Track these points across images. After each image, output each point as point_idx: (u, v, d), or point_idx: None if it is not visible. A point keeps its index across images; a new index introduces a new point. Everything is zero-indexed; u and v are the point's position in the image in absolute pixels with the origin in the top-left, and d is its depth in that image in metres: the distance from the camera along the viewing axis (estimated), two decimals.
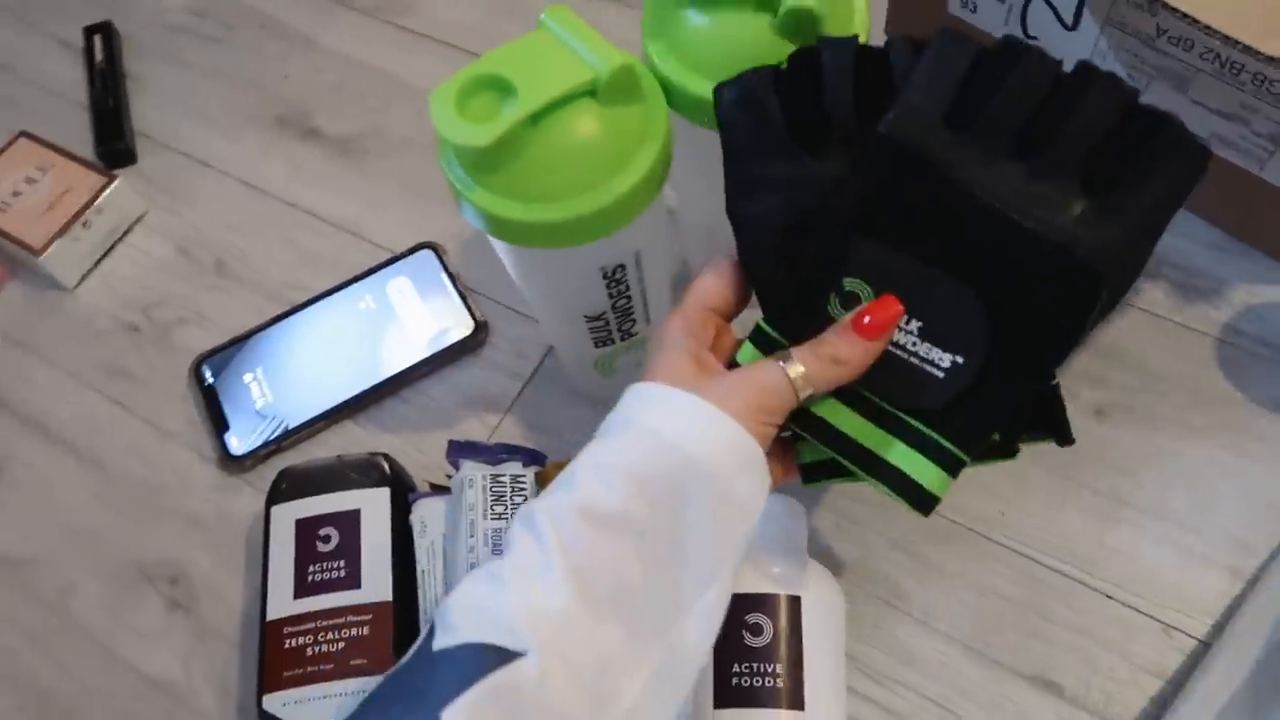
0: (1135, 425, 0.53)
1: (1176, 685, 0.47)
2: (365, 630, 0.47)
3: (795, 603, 0.44)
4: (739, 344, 0.39)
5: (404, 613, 0.48)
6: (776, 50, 0.39)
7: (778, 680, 0.42)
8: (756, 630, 0.43)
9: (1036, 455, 0.52)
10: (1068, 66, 0.34)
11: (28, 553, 0.57)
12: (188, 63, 0.76)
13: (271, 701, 0.46)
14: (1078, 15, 0.56)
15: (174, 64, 0.76)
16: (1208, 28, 0.42)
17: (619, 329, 0.50)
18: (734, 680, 0.42)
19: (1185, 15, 0.43)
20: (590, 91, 0.39)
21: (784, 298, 0.37)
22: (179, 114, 0.74)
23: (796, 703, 0.42)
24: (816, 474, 0.40)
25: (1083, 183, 0.33)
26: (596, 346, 0.51)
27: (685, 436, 0.34)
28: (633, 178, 0.40)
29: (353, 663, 0.46)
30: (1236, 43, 0.42)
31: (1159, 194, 0.34)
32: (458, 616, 0.32)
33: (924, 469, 0.35)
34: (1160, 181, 0.33)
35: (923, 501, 0.36)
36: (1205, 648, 0.48)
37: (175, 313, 0.65)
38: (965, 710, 0.48)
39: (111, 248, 0.68)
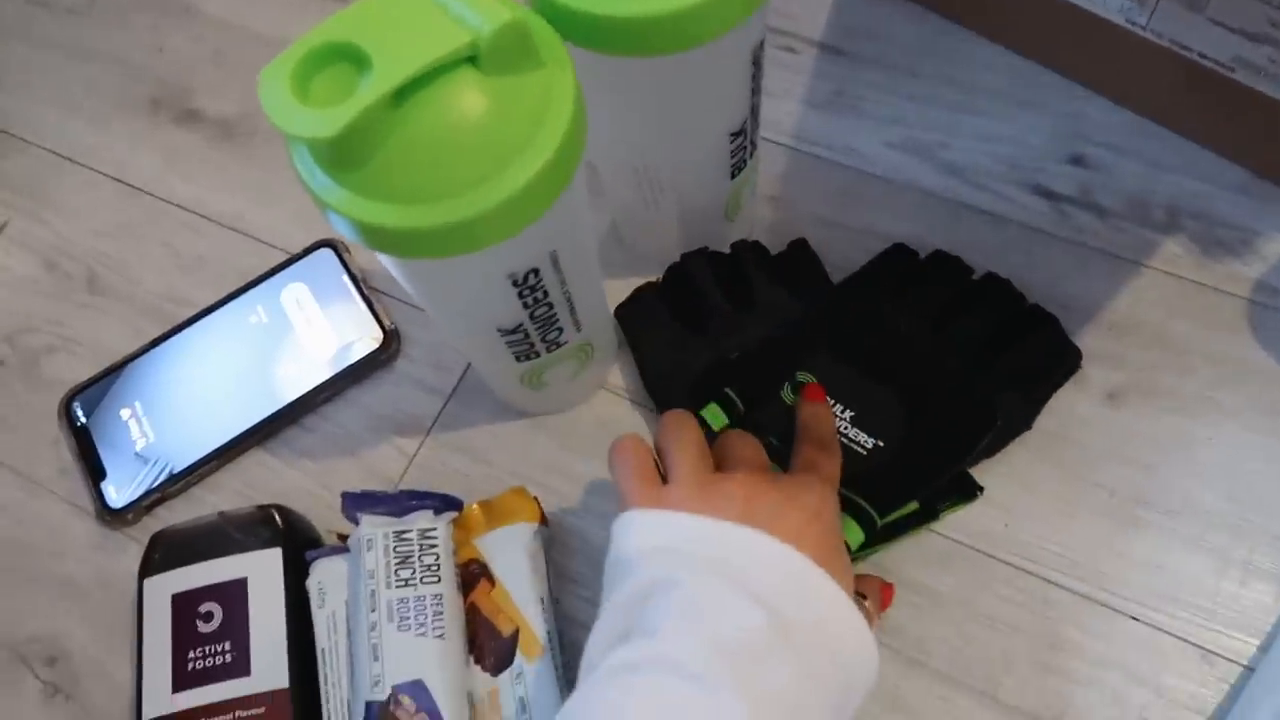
0: (1156, 410, 0.46)
1: None
2: None
3: None
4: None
5: (304, 701, 0.40)
6: None
7: None
8: None
9: (1042, 453, 0.45)
10: None
11: None
12: (48, 42, 0.66)
13: None
14: None
15: (33, 45, 0.66)
16: None
17: (543, 340, 0.42)
18: None
19: None
20: (470, 59, 0.31)
21: (749, 377, 0.46)
22: (40, 103, 0.64)
23: None
24: None
25: (982, 356, 0.46)
26: (518, 361, 0.43)
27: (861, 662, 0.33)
28: (534, 164, 0.32)
29: None
30: None
31: (1034, 382, 0.46)
32: None
33: (848, 526, 0.42)
34: (1039, 371, 0.46)
35: None
36: (1252, 675, 0.40)
37: (44, 339, 0.56)
38: None
39: None
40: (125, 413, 0.52)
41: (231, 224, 0.58)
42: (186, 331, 0.53)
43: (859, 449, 0.44)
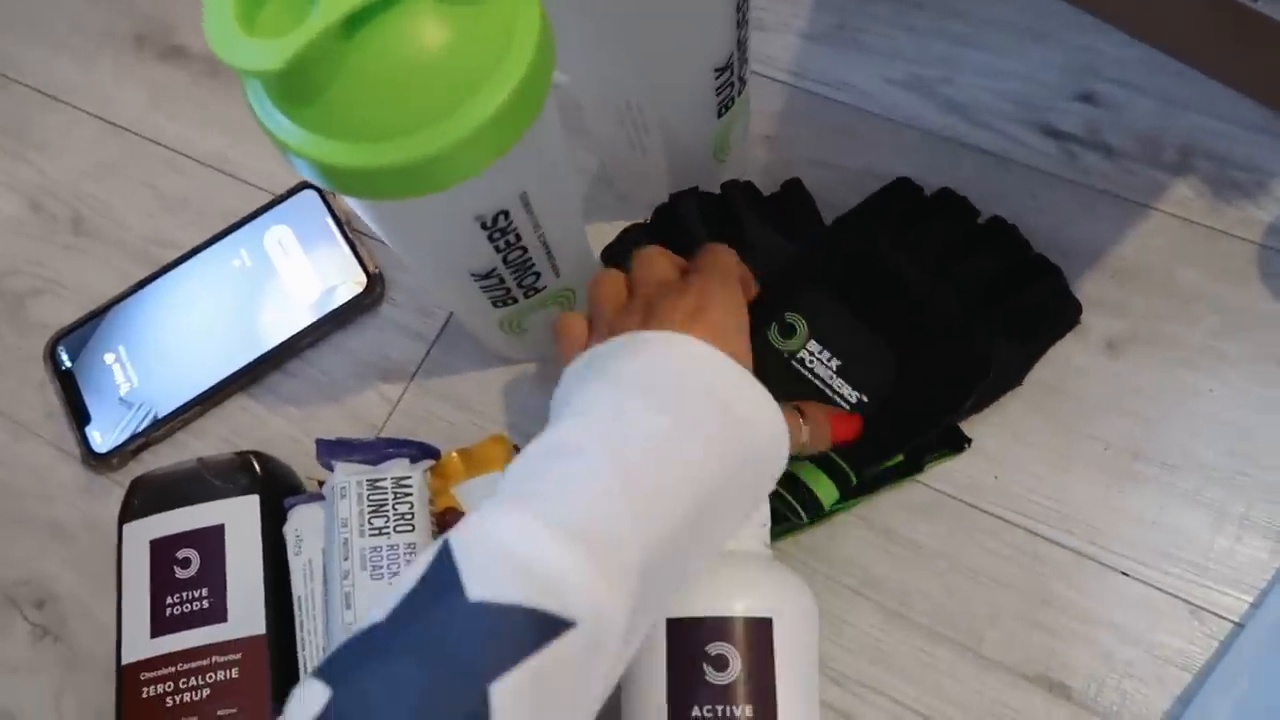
0: (1157, 360, 0.44)
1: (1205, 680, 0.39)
2: (234, 672, 0.39)
3: (765, 627, 0.36)
4: None
5: (280, 647, 0.40)
6: None
7: None
8: (720, 664, 0.35)
9: (1037, 404, 0.44)
10: None
11: None
12: None
13: None
14: None
15: None
16: None
17: (519, 285, 0.41)
18: None
19: None
20: None
21: None
22: (23, 39, 0.62)
23: None
24: None
25: (981, 303, 0.44)
26: (496, 306, 0.42)
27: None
28: (497, 97, 0.30)
29: (220, 712, 0.39)
30: None
31: (1031, 334, 0.44)
32: (489, 558, 0.28)
33: (819, 481, 0.41)
34: (1041, 325, 0.44)
35: (810, 507, 0.41)
36: (1242, 631, 0.39)
37: (29, 281, 0.56)
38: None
39: None
40: (109, 357, 0.51)
41: (216, 164, 0.56)
42: (169, 275, 0.53)
43: (843, 403, 0.42)
